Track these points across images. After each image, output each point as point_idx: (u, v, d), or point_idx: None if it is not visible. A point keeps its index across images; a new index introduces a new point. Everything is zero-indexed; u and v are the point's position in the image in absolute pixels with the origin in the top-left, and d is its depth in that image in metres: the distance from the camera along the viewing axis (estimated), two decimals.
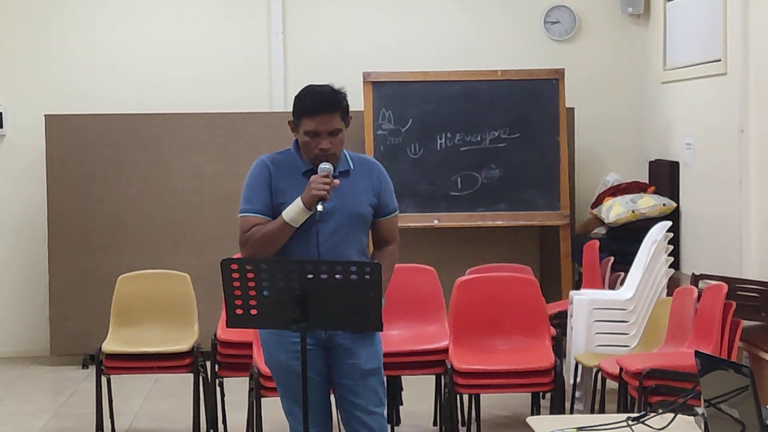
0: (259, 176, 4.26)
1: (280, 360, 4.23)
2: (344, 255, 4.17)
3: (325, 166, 4.16)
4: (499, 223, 8.25)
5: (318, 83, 4.32)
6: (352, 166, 4.30)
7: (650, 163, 8.67)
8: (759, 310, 6.22)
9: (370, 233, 4.40)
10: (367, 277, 3.82)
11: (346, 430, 4.34)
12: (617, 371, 5.55)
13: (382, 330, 4.05)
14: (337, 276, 3.82)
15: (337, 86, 4.28)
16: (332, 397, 4.36)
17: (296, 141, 4.31)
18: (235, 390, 6.46)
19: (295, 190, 4.17)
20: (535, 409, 6.15)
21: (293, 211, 4.14)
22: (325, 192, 4.08)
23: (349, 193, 4.24)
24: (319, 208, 4.08)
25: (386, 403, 4.42)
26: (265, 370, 5.48)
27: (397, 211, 4.44)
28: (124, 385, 6.97)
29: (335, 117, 4.20)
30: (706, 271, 6.64)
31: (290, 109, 4.31)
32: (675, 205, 8.05)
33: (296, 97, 4.27)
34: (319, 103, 4.18)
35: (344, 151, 4.30)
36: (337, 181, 4.15)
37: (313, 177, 4.13)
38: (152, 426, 6.71)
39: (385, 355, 4.46)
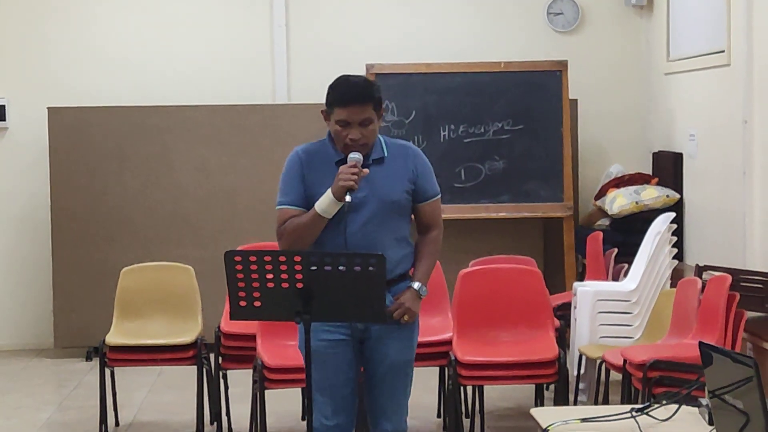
0: (292, 168, 4.28)
1: (312, 347, 4.22)
2: (378, 244, 4.15)
3: (355, 156, 4.16)
4: (502, 214, 8.25)
5: (352, 74, 4.35)
6: (386, 153, 4.29)
7: (654, 154, 8.66)
8: (763, 301, 6.22)
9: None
10: (371, 269, 3.81)
11: (369, 420, 4.36)
12: (621, 362, 5.55)
13: (385, 322, 4.06)
14: (340, 267, 3.81)
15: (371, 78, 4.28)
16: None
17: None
18: (239, 382, 6.45)
19: (328, 180, 4.17)
20: (539, 401, 6.16)
21: (324, 203, 4.15)
22: (352, 182, 4.08)
23: (382, 180, 4.23)
24: (348, 198, 4.08)
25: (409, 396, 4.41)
26: (268, 362, 5.50)
27: (439, 196, 4.44)
28: (127, 377, 6.97)
29: (367, 108, 4.19)
30: (710, 263, 6.64)
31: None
32: (678, 196, 8.04)
33: (330, 87, 4.28)
34: (350, 93, 4.19)
35: (380, 138, 4.30)
36: (366, 170, 4.15)
37: (341, 168, 4.14)
38: (156, 418, 6.71)
39: None
